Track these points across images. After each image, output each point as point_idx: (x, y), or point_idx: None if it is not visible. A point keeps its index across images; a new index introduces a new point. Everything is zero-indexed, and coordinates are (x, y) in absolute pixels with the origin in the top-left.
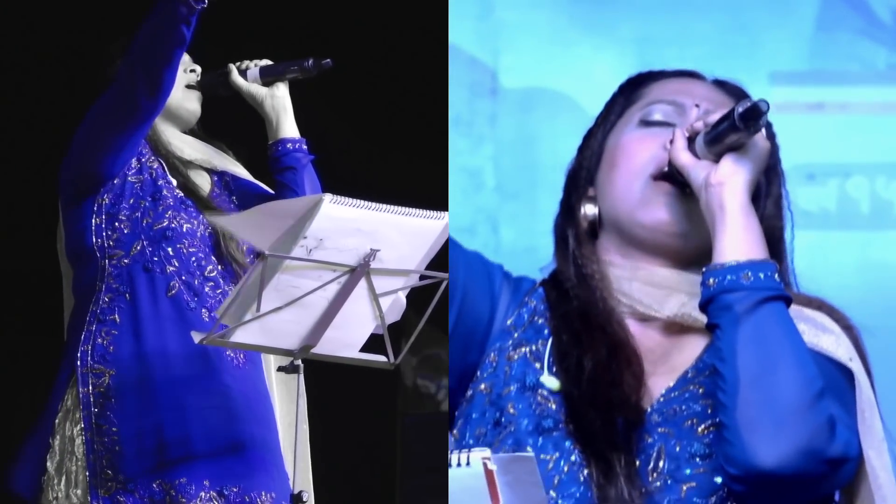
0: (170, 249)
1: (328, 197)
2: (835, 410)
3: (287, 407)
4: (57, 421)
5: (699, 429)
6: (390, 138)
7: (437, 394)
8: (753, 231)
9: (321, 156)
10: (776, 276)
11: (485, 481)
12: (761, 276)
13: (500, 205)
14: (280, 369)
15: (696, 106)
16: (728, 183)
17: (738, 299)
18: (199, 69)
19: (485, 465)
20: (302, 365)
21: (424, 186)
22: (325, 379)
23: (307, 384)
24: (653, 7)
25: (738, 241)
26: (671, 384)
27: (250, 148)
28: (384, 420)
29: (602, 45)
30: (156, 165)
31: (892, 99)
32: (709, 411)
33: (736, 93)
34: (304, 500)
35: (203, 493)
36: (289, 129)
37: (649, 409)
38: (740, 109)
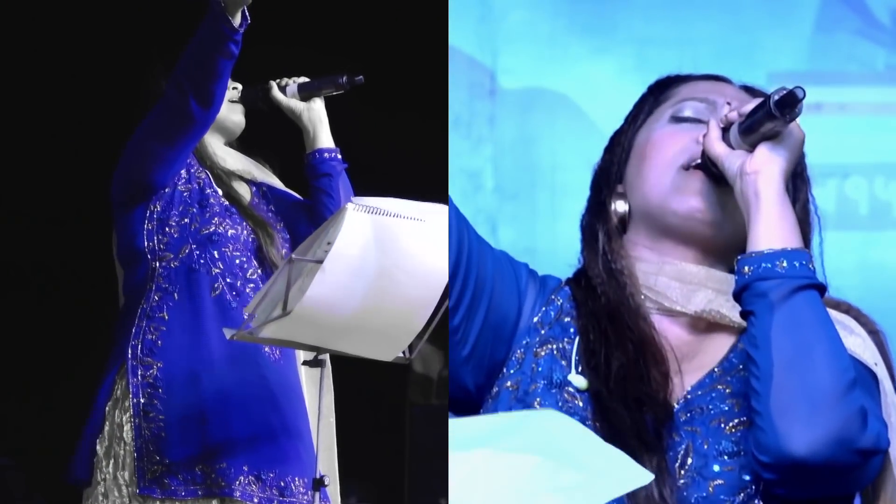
0: (215, 252)
1: (351, 205)
2: (866, 402)
3: (313, 399)
4: (107, 409)
5: (727, 427)
6: (390, 139)
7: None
8: (789, 219)
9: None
10: (811, 264)
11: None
12: (796, 264)
13: (500, 206)
14: (305, 363)
15: (728, 104)
16: (763, 171)
17: (773, 287)
18: (239, 86)
19: None
20: (327, 359)
21: (424, 187)
22: (340, 371)
23: None
24: (652, 8)
25: (773, 229)
26: (697, 382)
27: (282, 160)
28: (395, 409)
29: (601, 47)
30: (203, 175)
31: (891, 99)
32: (736, 409)
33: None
34: (326, 483)
35: (242, 478)
36: (325, 139)
37: (676, 407)
38: (776, 97)
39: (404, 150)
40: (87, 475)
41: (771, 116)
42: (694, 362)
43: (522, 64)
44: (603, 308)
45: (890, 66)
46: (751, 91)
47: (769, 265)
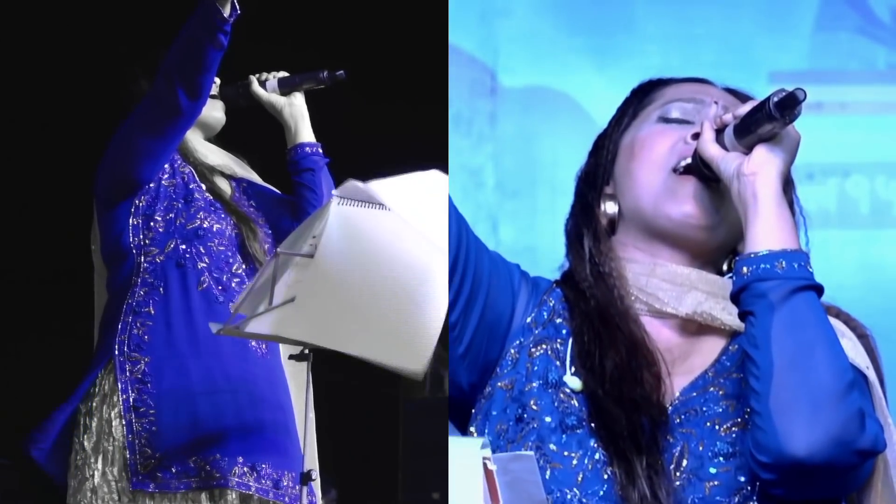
0: (201, 247)
1: (336, 198)
2: (863, 403)
3: (296, 394)
4: (94, 404)
5: (721, 429)
6: (390, 137)
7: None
8: (786, 220)
9: None
10: (809, 266)
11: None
12: (795, 265)
13: (500, 203)
14: (291, 357)
15: (715, 103)
16: (761, 173)
17: (772, 287)
18: (217, 80)
19: (484, 464)
20: (311, 354)
21: None
22: (332, 366)
23: (315, 371)
24: (652, 6)
25: (771, 230)
26: (689, 384)
27: (260, 157)
28: (388, 404)
29: (601, 45)
30: (187, 170)
31: (892, 98)
32: (730, 411)
33: (746, 99)
34: (314, 478)
35: (237, 469)
36: (306, 134)
37: (670, 409)
38: (775, 99)
39: (404, 148)
40: (42, 456)
41: (770, 118)
42: (685, 364)
43: (523, 62)
44: (594, 310)
45: (891, 65)
46: (734, 93)
47: (768, 266)
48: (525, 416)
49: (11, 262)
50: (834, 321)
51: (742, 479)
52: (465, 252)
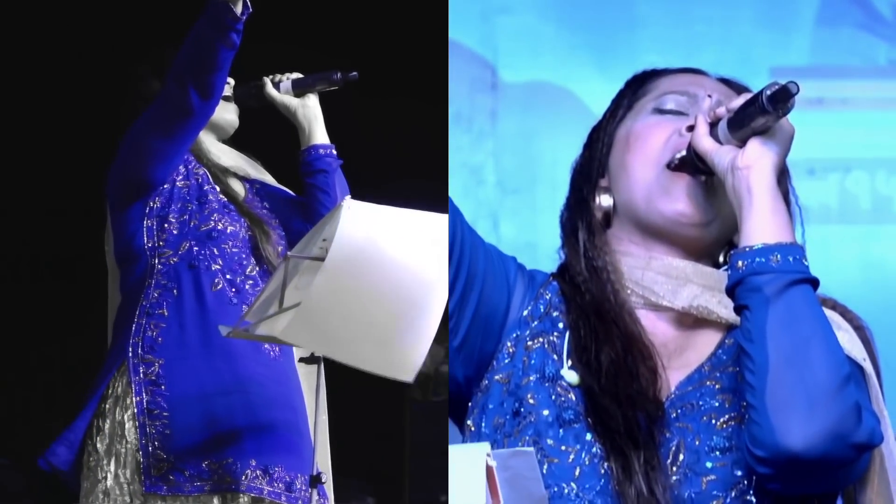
0: (215, 249)
1: (346, 202)
2: (859, 397)
3: (308, 397)
4: (107, 406)
5: (718, 423)
6: (390, 135)
7: None
8: (781, 214)
9: None
10: (804, 259)
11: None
12: (790, 259)
13: (501, 200)
14: (301, 360)
15: (709, 96)
16: (755, 166)
17: (767, 281)
18: (232, 81)
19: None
20: (322, 356)
21: (425, 182)
22: (338, 367)
23: (325, 373)
24: (653, 3)
25: (766, 223)
26: (685, 378)
27: (274, 158)
28: (394, 406)
29: (602, 41)
30: (201, 172)
31: (893, 94)
32: (727, 405)
33: (741, 90)
34: (323, 480)
35: (249, 471)
36: (320, 135)
37: (666, 403)
38: (768, 92)
39: (405, 146)
40: (66, 465)
41: (763, 112)
42: (682, 358)
43: (523, 58)
44: (589, 305)
45: (892, 61)
46: (728, 83)
47: (763, 260)
48: (522, 410)
49: (10, 263)
50: (830, 313)
51: (739, 473)
52: (460, 245)
